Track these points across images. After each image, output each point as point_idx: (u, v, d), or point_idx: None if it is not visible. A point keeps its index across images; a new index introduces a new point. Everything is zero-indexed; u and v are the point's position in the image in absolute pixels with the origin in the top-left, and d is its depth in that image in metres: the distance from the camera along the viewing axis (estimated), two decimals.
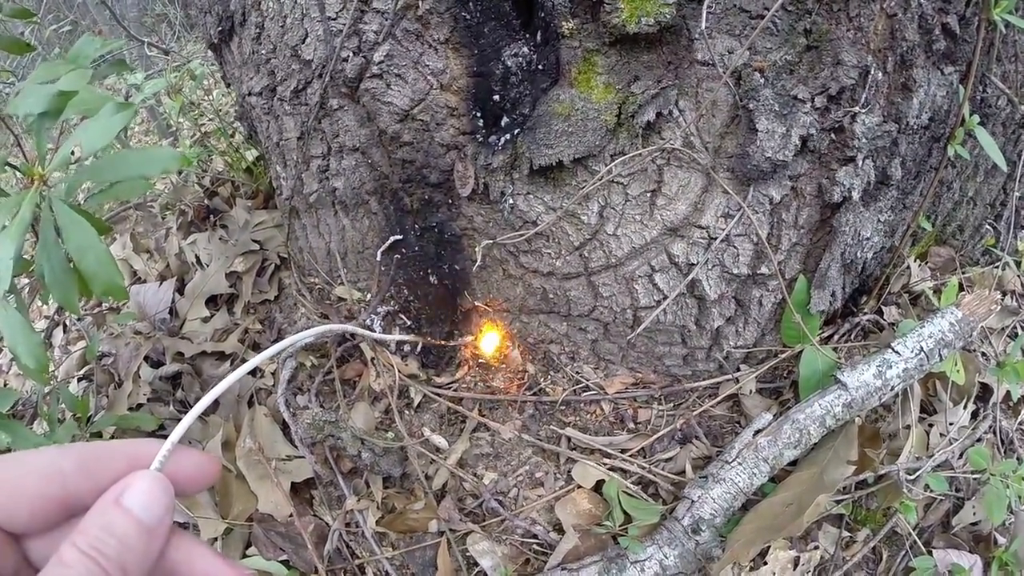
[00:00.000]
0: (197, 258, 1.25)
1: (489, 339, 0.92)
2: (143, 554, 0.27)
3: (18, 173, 0.99)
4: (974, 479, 0.92)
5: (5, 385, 1.37)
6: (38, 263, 0.70)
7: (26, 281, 1.47)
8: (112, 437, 1.04)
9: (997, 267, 1.05)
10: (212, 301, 1.20)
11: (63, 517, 0.28)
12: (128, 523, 0.27)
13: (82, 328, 1.31)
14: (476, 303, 0.93)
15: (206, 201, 1.36)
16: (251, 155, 1.46)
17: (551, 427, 0.89)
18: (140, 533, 0.27)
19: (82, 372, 1.26)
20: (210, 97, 1.77)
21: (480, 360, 0.93)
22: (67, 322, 1.40)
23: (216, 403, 1.04)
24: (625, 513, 0.79)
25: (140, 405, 1.09)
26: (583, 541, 0.79)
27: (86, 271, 0.67)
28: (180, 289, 1.23)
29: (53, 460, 0.28)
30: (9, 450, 1.09)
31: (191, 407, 0.33)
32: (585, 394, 0.91)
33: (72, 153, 0.70)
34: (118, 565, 0.26)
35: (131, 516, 0.27)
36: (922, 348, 0.82)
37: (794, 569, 0.84)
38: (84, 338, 1.32)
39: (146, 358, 1.15)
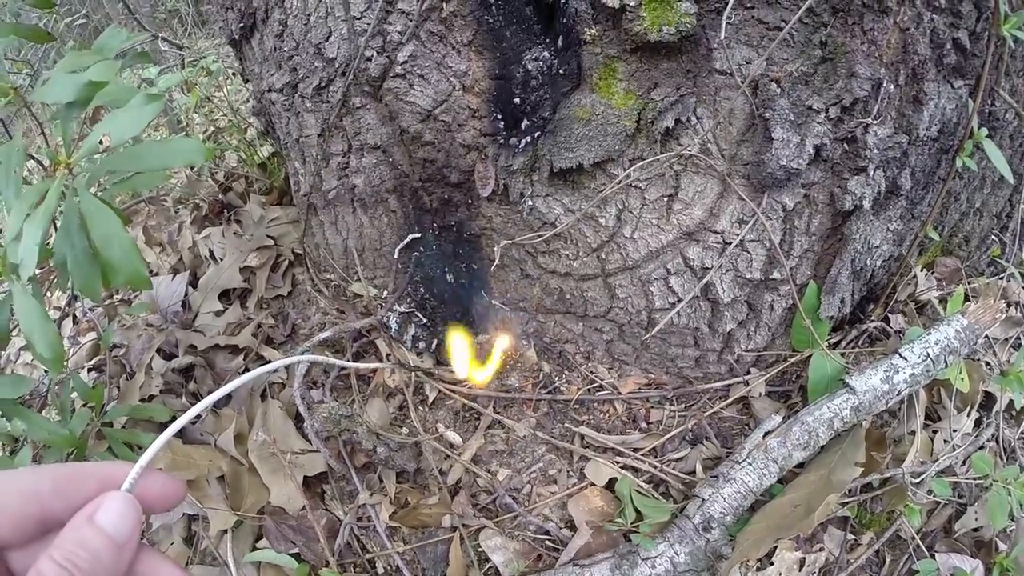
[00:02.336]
0: (211, 252, 1.26)
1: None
2: (113, 567, 0.30)
3: (39, 164, 1.00)
4: (977, 485, 0.93)
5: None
6: (59, 251, 0.71)
7: (37, 272, 1.47)
8: (124, 427, 1.05)
9: (1002, 278, 1.07)
10: (225, 295, 1.21)
11: (41, 533, 0.31)
12: (100, 539, 0.30)
13: (93, 319, 1.32)
14: (493, 302, 0.95)
15: (221, 196, 1.37)
16: (265, 151, 1.47)
17: (565, 425, 0.91)
18: (110, 548, 0.30)
19: (92, 363, 1.27)
20: (223, 92, 1.78)
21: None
22: (76, 313, 1.41)
23: (229, 396, 1.05)
24: (637, 511, 0.80)
25: (152, 396, 1.10)
26: (595, 538, 0.81)
27: (110, 260, 0.68)
28: (193, 283, 1.24)
29: (32, 481, 0.31)
30: (17, 439, 1.09)
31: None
32: (599, 394, 0.92)
33: (100, 142, 0.70)
34: None
35: (102, 533, 0.30)
36: (928, 354, 0.83)
37: (800, 570, 0.85)
38: (94, 329, 1.33)
39: (158, 350, 1.15)
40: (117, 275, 0.66)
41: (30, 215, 0.64)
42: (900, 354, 0.83)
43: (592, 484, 0.86)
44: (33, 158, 1.02)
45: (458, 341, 0.84)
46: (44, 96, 0.74)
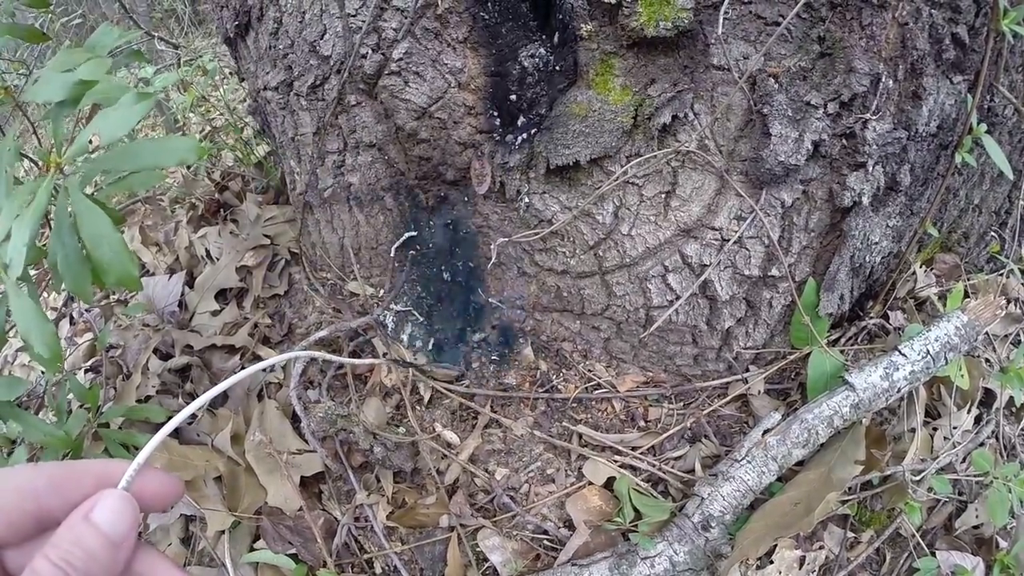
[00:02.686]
0: (207, 252, 1.25)
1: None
2: (109, 566, 0.30)
3: (31, 163, 1.00)
4: (977, 482, 0.93)
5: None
6: (51, 251, 0.70)
7: (33, 273, 1.46)
8: (120, 428, 1.04)
9: (1002, 274, 1.07)
10: (222, 295, 1.20)
11: (37, 531, 0.31)
12: (96, 537, 0.30)
13: (90, 320, 1.31)
14: (489, 300, 0.94)
15: (217, 195, 1.36)
16: (261, 150, 1.47)
17: (563, 424, 0.90)
18: (106, 547, 0.30)
19: (88, 364, 1.26)
20: (219, 92, 1.78)
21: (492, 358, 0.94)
22: (73, 314, 1.40)
23: (225, 396, 1.05)
24: (635, 510, 0.80)
25: (148, 397, 1.09)
26: (593, 537, 0.80)
27: (100, 260, 0.67)
28: (189, 282, 1.23)
29: (29, 478, 0.31)
30: (14, 440, 1.09)
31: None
32: (597, 392, 0.92)
33: (90, 141, 0.70)
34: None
35: (99, 531, 0.30)
36: (928, 351, 0.83)
37: (799, 568, 0.85)
38: (90, 330, 1.32)
39: (155, 350, 1.15)
40: (107, 275, 0.66)
41: (19, 215, 0.63)
42: (900, 351, 0.83)
43: (590, 483, 0.85)
44: (28, 158, 1.02)
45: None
46: (35, 95, 0.73)
